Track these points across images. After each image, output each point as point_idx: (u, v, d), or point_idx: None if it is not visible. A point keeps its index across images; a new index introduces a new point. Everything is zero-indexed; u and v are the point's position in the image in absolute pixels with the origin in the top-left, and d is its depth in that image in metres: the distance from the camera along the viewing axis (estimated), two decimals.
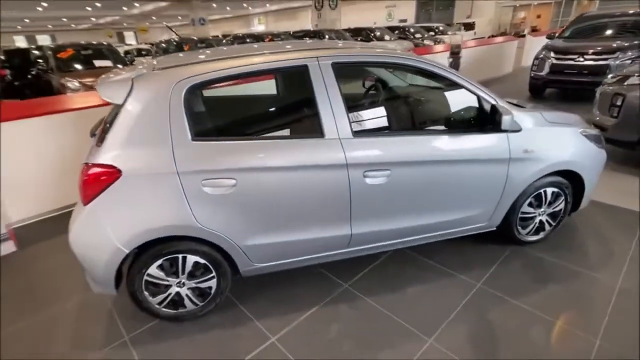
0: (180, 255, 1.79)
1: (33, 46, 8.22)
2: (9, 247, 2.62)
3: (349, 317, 1.97)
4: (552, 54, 6.51)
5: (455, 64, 7.15)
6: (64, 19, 30.13)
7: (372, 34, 14.21)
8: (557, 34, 7.26)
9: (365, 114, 2.14)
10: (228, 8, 35.07)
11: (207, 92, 1.82)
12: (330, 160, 1.79)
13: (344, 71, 1.89)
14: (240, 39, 12.92)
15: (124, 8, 26.60)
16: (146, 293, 1.82)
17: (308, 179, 1.81)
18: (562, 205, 2.40)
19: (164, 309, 1.90)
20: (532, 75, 6.88)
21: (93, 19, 32.27)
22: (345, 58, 1.87)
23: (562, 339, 1.78)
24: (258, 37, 10.89)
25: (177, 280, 1.84)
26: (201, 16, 23.89)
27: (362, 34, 14.46)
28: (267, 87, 2.17)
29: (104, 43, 7.66)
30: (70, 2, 20.55)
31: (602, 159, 2.42)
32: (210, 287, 1.92)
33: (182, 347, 1.83)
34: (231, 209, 1.74)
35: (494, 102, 2.01)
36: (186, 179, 1.65)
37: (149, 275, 1.78)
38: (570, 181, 2.34)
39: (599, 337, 1.75)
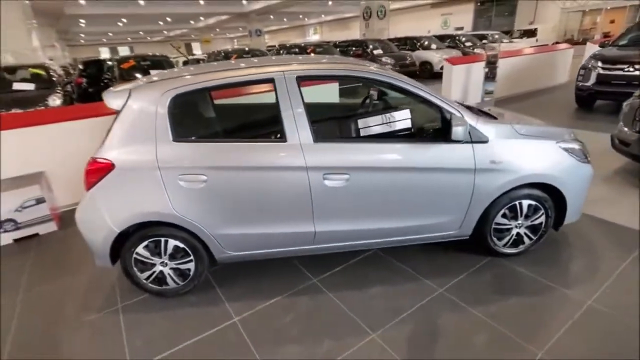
0: (162, 239, 2.11)
1: (106, 57, 9.43)
2: (50, 226, 3.18)
3: (307, 307, 2.14)
4: (599, 64, 6.05)
5: (491, 74, 6.91)
6: (141, 32, 33.71)
7: (419, 43, 14.08)
8: (611, 42, 6.72)
9: (331, 121, 2.32)
10: (285, 20, 36.66)
11: (188, 100, 2.13)
12: (291, 163, 2.00)
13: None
14: (287, 49, 13.58)
15: (191, 22, 29.09)
16: (135, 269, 2.17)
17: (271, 178, 2.03)
18: (542, 219, 2.35)
19: (150, 285, 2.23)
20: (577, 86, 6.44)
21: (165, 32, 35.65)
22: (308, 72, 2.09)
23: (503, 348, 1.79)
24: (303, 48, 11.40)
25: (161, 260, 2.17)
26: (257, 28, 25.34)
27: (407, 43, 14.43)
28: (253, 97, 2.44)
29: (161, 54, 8.60)
30: (145, 18, 23.02)
31: (585, 174, 2.33)
32: (189, 269, 2.22)
33: (161, 318, 2.14)
34: (203, 201, 2.03)
35: (456, 114, 2.08)
36: (166, 173, 1.97)
37: (137, 254, 2.12)
38: (551, 195, 2.29)
39: (543, 351, 1.74)
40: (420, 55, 13.06)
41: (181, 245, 2.14)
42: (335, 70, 2.15)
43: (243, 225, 2.12)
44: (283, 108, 2.00)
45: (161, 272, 2.20)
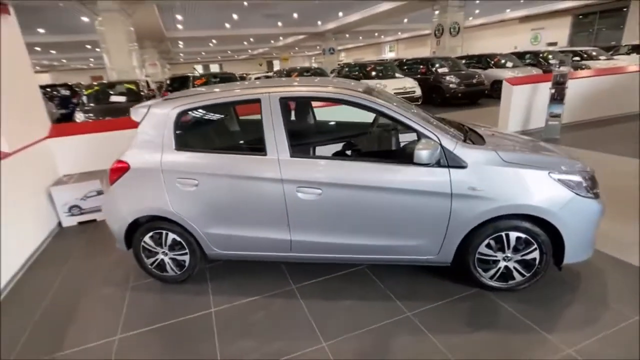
0: (164, 232, 2.47)
1: (188, 74, 10.81)
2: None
3: (277, 309, 2.30)
4: None
5: (558, 96, 6.32)
6: (229, 52, 37.36)
7: (492, 61, 13.33)
8: None
9: (311, 139, 2.47)
10: (360, 38, 37.45)
11: (189, 116, 2.48)
12: (268, 174, 2.21)
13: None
14: (349, 67, 13.90)
15: (272, 41, 31.42)
16: (143, 255, 2.56)
17: (252, 187, 2.27)
18: (535, 255, 2.18)
19: (154, 270, 2.60)
20: None
21: (249, 51, 39.00)
22: (291, 94, 2.29)
23: None
24: (363, 65, 11.63)
25: (162, 250, 2.53)
26: (331, 46, 26.33)
27: (481, 61, 13.74)
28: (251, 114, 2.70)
29: (228, 72, 9.58)
30: (231, 39, 25.57)
31: (589, 209, 2.11)
32: (184, 261, 2.54)
33: (156, 300, 2.49)
34: (194, 202, 2.34)
35: (430, 136, 2.09)
36: (166, 176, 2.33)
37: (144, 242, 2.51)
38: (547, 230, 2.13)
39: None
40: (492, 74, 12.36)
41: (178, 239, 2.47)
42: (314, 93, 2.31)
43: (227, 227, 2.38)
44: (265, 125, 2.24)
45: (162, 260, 2.56)
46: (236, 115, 2.57)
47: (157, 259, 2.56)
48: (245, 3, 14.09)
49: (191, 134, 2.45)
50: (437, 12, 16.14)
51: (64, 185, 3.77)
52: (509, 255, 2.22)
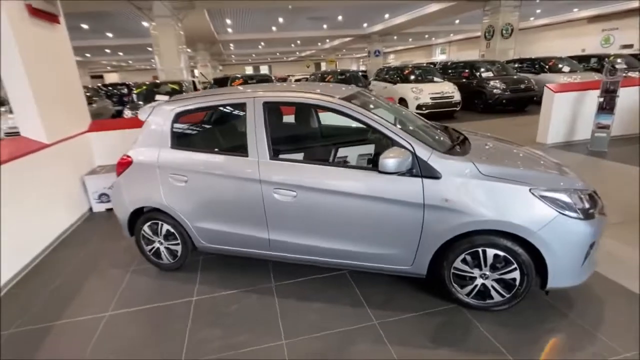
0: (159, 222, 2.68)
1: (229, 75, 11.37)
2: None
3: (250, 304, 2.40)
4: None
5: (608, 106, 5.76)
6: (278, 53, 38.47)
7: (547, 66, 12.41)
8: None
9: (292, 142, 2.53)
10: (410, 40, 36.65)
11: (184, 117, 2.66)
12: (249, 175, 2.33)
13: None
14: (389, 70, 13.69)
15: (319, 44, 31.84)
16: (142, 242, 2.80)
17: (235, 186, 2.39)
18: (515, 275, 2.06)
19: (152, 257, 2.83)
20: None
21: (297, 53, 39.84)
22: (274, 99, 2.37)
23: None
24: (400, 69, 11.40)
25: (158, 239, 2.75)
26: (377, 49, 26.08)
27: (534, 65, 12.84)
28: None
29: (264, 74, 9.92)
30: (279, 41, 26.33)
31: (577, 231, 1.94)
32: (177, 250, 2.74)
33: (150, 283, 2.72)
34: (184, 197, 2.52)
35: (404, 144, 2.06)
36: (161, 171, 2.54)
37: (144, 230, 2.75)
38: (530, 250, 2.01)
39: None
40: (545, 79, 11.50)
41: (172, 230, 2.67)
42: (294, 98, 2.37)
43: (213, 222, 2.53)
44: (249, 128, 2.35)
45: (158, 248, 2.78)
46: (226, 117, 2.72)
47: (154, 247, 2.79)
48: (290, 6, 14.47)
49: (185, 133, 2.64)
50: (488, 13, 15.34)
51: (96, 174, 4.19)
52: (486, 272, 2.12)
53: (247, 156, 2.35)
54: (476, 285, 2.17)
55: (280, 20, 18.09)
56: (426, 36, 34.09)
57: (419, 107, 9.65)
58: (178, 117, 2.58)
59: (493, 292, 2.15)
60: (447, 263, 2.16)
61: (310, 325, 2.18)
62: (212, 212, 2.51)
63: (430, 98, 9.65)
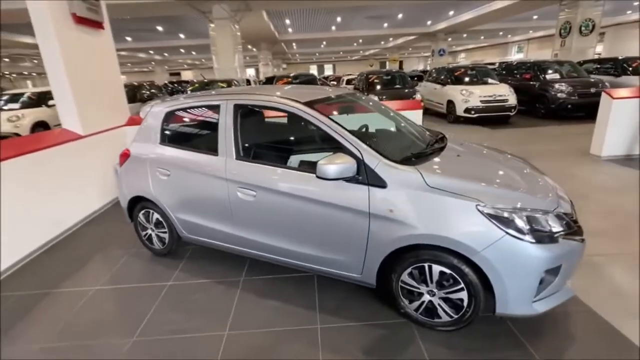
0: (150, 211, 2.97)
1: (277, 75, 11.78)
2: None
3: (214, 294, 2.56)
4: None
5: None
6: (341, 52, 38.67)
7: (630, 67, 10.79)
8: None
9: (259, 144, 2.59)
10: (482, 37, 34.32)
11: (172, 116, 2.87)
12: (217, 173, 2.47)
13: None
14: (445, 71, 12.99)
15: (382, 42, 31.34)
16: (139, 228, 3.13)
17: (206, 182, 2.56)
18: (462, 296, 1.93)
19: (146, 242, 3.15)
20: None
21: (361, 52, 39.64)
22: (244, 101, 2.47)
23: None
24: (451, 70, 10.76)
25: (150, 226, 3.04)
26: (441, 47, 24.92)
27: (615, 67, 11.24)
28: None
29: (310, 73, 10.10)
30: (340, 40, 26.47)
31: (525, 256, 1.74)
32: (165, 238, 3.00)
33: (140, 266, 3.02)
34: (167, 189, 2.76)
35: (354, 151, 2.03)
36: (150, 165, 2.81)
37: (139, 218, 3.07)
38: (477, 270, 1.87)
39: None
40: (624, 82, 10.08)
41: (160, 218, 2.94)
42: (260, 102, 2.43)
43: (190, 215, 2.73)
44: (220, 128, 2.50)
45: (150, 234, 3.07)
46: (205, 118, 2.88)
47: (147, 233, 3.09)
48: (347, 5, 14.50)
49: (171, 131, 2.87)
50: (564, 8, 13.77)
51: None
52: (433, 290, 2.01)
53: (217, 155, 2.50)
54: (423, 302, 2.06)
55: (339, 19, 18.19)
56: (500, 33, 31.62)
57: (467, 110, 9.08)
58: (167, 116, 2.82)
59: (440, 311, 2.03)
60: (396, 275, 2.09)
61: (257, 321, 2.26)
62: (189, 205, 2.71)
63: (481, 101, 9.01)
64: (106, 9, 4.57)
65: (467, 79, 10.24)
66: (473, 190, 1.89)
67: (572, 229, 1.92)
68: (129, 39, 20.98)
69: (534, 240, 1.76)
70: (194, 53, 28.61)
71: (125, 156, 3.00)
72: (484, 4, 15.92)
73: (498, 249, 1.76)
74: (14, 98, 9.24)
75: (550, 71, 10.41)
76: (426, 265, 1.97)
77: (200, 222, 2.70)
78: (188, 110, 2.81)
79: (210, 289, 2.63)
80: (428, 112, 11.44)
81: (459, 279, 1.90)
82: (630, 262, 2.70)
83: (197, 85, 9.63)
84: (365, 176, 2.01)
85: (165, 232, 2.98)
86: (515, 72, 11.64)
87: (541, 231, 1.79)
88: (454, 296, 1.96)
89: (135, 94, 9.36)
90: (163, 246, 3.06)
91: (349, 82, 15.62)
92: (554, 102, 9.28)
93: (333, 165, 1.93)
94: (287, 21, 18.10)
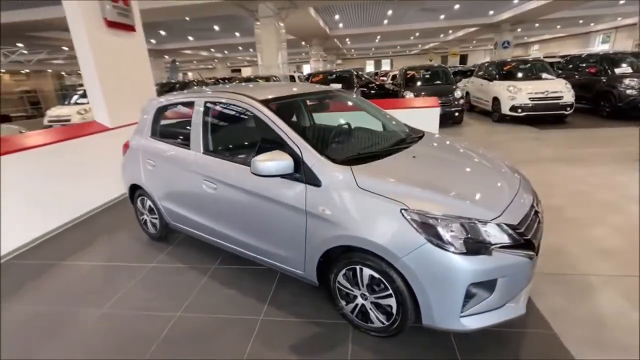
0: (145, 198, 3.27)
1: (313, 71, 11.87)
2: None
3: (185, 278, 2.75)
4: None
5: None
6: (398, 47, 37.58)
7: None
8: None
9: (224, 139, 2.68)
10: (558, 27, 30.99)
11: (161, 111, 3.10)
12: (189, 166, 2.65)
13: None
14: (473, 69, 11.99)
15: (441, 35, 29.83)
16: (137, 213, 3.45)
17: (181, 174, 2.75)
18: (391, 302, 1.87)
19: (142, 226, 3.47)
20: None
21: (420, 45, 38.11)
22: (212, 99, 2.60)
23: None
24: (498, 65, 9.91)
25: (145, 212, 3.34)
26: (505, 39, 23.07)
27: None
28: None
29: (345, 70, 10.04)
30: (395, 34, 25.74)
31: (448, 267, 1.63)
32: (156, 224, 3.28)
33: (136, 246, 3.34)
34: (154, 179, 3.02)
35: (293, 148, 2.05)
36: (142, 156, 3.09)
37: (137, 204, 3.39)
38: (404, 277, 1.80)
39: None
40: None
41: (152, 205, 3.22)
42: (224, 99, 2.52)
43: (172, 204, 2.95)
44: (193, 124, 2.66)
45: (146, 219, 3.38)
46: (185, 114, 3.06)
47: (143, 218, 3.40)
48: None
49: (160, 125, 3.11)
50: None
51: None
52: (365, 293, 1.97)
53: (189, 148, 2.67)
54: (357, 305, 2.03)
55: (389, 12, 17.71)
56: (580, 22, 28.24)
57: (512, 108, 8.34)
58: (158, 111, 3.07)
59: (372, 316, 1.98)
60: (333, 276, 2.08)
61: (209, 306, 2.40)
62: (170, 195, 2.94)
63: (530, 98, 8.21)
64: (139, 13, 5.03)
65: (518, 74, 9.39)
66: (403, 193, 1.80)
67: (517, 242, 1.74)
68: (191, 38, 22.59)
69: (458, 250, 1.64)
70: (251, 50, 29.88)
71: (125, 147, 3.33)
72: None
73: (419, 256, 1.68)
74: (86, 93, 10.53)
75: (622, 64, 9.14)
76: (357, 267, 1.93)
77: (179, 211, 2.90)
78: (174, 107, 3.03)
79: (184, 273, 2.84)
80: (474, 110, 10.74)
81: (387, 285, 1.84)
82: (630, 287, 2.36)
83: (236, 82, 10.10)
84: (303, 174, 2.03)
85: (156, 218, 3.25)
86: (582, 65, 10.39)
87: (472, 241, 1.66)
88: (383, 302, 1.90)
89: (184, 89, 10.14)
90: (155, 231, 3.34)
91: (394, 78, 15.17)
92: (622, 99, 8.16)
93: (268, 162, 1.97)
94: (337, 17, 18.07)
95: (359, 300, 2.02)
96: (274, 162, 1.98)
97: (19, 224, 3.38)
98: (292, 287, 2.55)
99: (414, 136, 2.65)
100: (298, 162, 2.03)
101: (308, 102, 3.34)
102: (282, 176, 2.04)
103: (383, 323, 1.95)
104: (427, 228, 1.68)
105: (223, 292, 2.56)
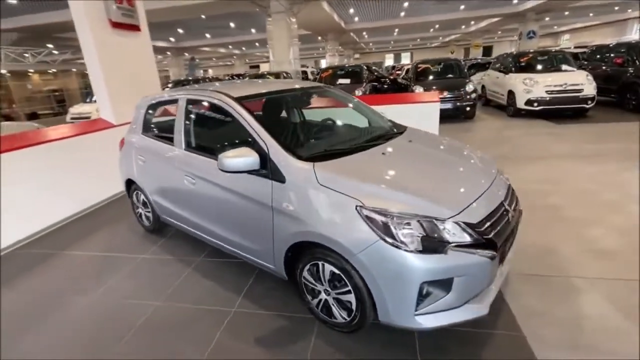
0: (139, 192, 3.40)
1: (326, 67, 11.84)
2: None
3: (170, 270, 2.86)
4: None
5: None
6: (418, 40, 36.77)
7: None
8: None
9: (203, 136, 2.74)
10: (591, 14, 29.42)
11: (152, 109, 3.20)
12: (172, 162, 2.74)
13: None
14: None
15: (463, 26, 28.95)
16: (134, 207, 3.60)
17: (168, 169, 2.84)
18: (351, 299, 1.88)
19: (138, 218, 3.61)
20: None
21: (441, 38, 37.14)
22: (192, 96, 2.66)
23: None
24: (515, 56, 9.52)
25: (140, 206, 3.48)
26: (530, 29, 22.14)
27: None
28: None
29: (356, 65, 9.94)
30: (414, 27, 25.20)
31: (399, 264, 1.62)
32: (150, 216, 3.41)
33: (131, 239, 3.49)
34: (144, 174, 3.14)
35: (262, 146, 2.09)
36: (135, 152, 3.21)
37: (133, 198, 3.53)
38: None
39: None
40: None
41: (145, 199, 3.35)
42: (202, 97, 2.59)
43: (161, 198, 3.06)
44: (176, 121, 2.75)
45: (141, 212, 3.52)
46: (172, 112, 3.14)
47: (139, 211, 3.55)
48: None
49: (150, 122, 3.22)
50: None
51: None
52: (328, 289, 1.99)
53: (173, 145, 2.76)
54: (321, 300, 2.06)
55: (406, 4, 17.35)
56: (616, 8, 26.63)
57: (528, 102, 8.02)
58: (149, 109, 3.18)
59: (335, 312, 2.00)
60: (299, 271, 2.11)
61: (189, 297, 2.49)
62: (158, 189, 3.05)
63: (546, 92, 7.87)
64: (145, 12, 5.17)
65: (536, 66, 9.01)
66: (361, 190, 1.81)
67: (478, 241, 1.71)
68: (208, 35, 22.98)
69: (410, 248, 1.63)
70: (267, 46, 30.07)
71: (122, 143, 3.47)
72: None
73: (372, 253, 1.69)
74: None
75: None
76: (320, 263, 1.96)
77: (167, 205, 3.01)
78: (163, 104, 3.13)
79: (171, 264, 2.95)
80: (490, 104, 10.40)
81: (347, 281, 1.86)
82: (617, 290, 2.25)
83: (247, 77, 10.24)
84: (269, 170, 2.06)
85: (149, 212, 3.38)
86: (609, 55, 9.83)
87: (430, 239, 1.64)
88: (344, 298, 1.92)
89: None
90: (149, 223, 3.48)
91: (407, 72, 14.89)
92: None
93: (234, 158, 2.01)
94: (351, 10, 17.88)
95: (323, 296, 2.04)
96: (240, 158, 2.02)
97: (26, 216, 3.60)
98: (268, 282, 2.60)
99: (393, 132, 2.63)
100: (265, 159, 2.07)
101: (305, 99, 3.36)
102: (250, 172, 2.09)
103: (345, 319, 1.97)
104: (379, 225, 1.68)
105: (203, 283, 2.65)
